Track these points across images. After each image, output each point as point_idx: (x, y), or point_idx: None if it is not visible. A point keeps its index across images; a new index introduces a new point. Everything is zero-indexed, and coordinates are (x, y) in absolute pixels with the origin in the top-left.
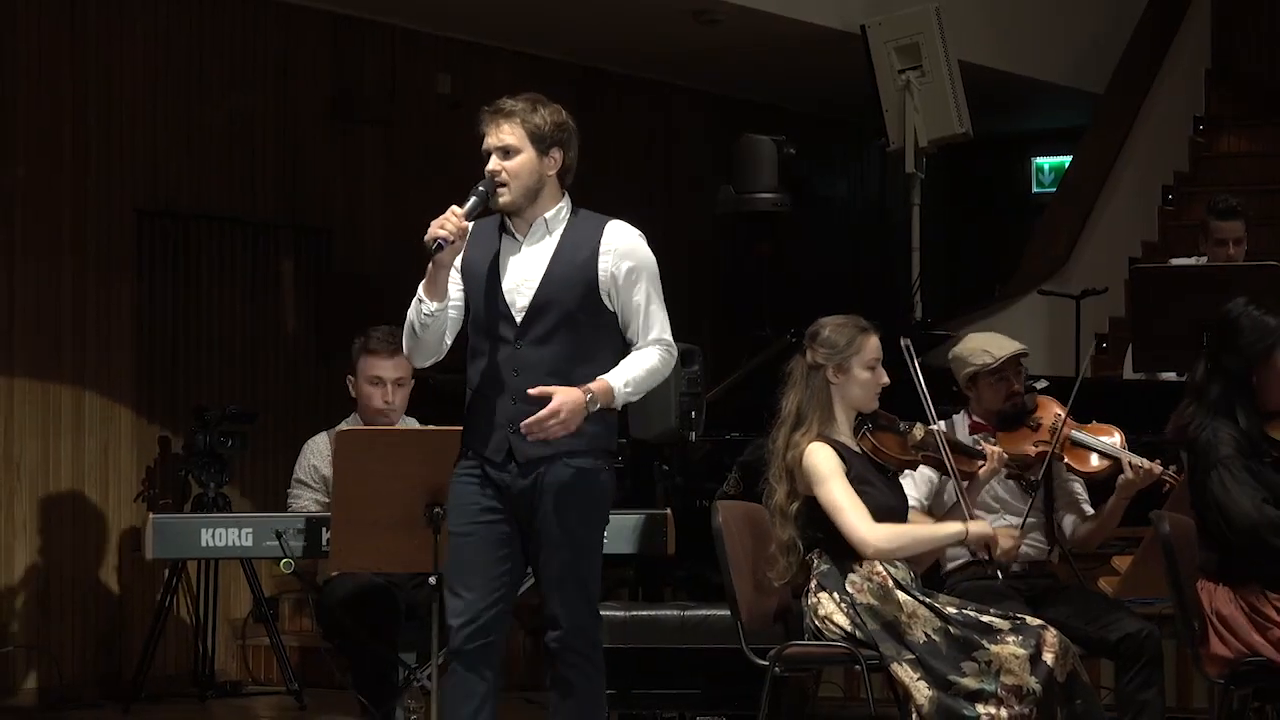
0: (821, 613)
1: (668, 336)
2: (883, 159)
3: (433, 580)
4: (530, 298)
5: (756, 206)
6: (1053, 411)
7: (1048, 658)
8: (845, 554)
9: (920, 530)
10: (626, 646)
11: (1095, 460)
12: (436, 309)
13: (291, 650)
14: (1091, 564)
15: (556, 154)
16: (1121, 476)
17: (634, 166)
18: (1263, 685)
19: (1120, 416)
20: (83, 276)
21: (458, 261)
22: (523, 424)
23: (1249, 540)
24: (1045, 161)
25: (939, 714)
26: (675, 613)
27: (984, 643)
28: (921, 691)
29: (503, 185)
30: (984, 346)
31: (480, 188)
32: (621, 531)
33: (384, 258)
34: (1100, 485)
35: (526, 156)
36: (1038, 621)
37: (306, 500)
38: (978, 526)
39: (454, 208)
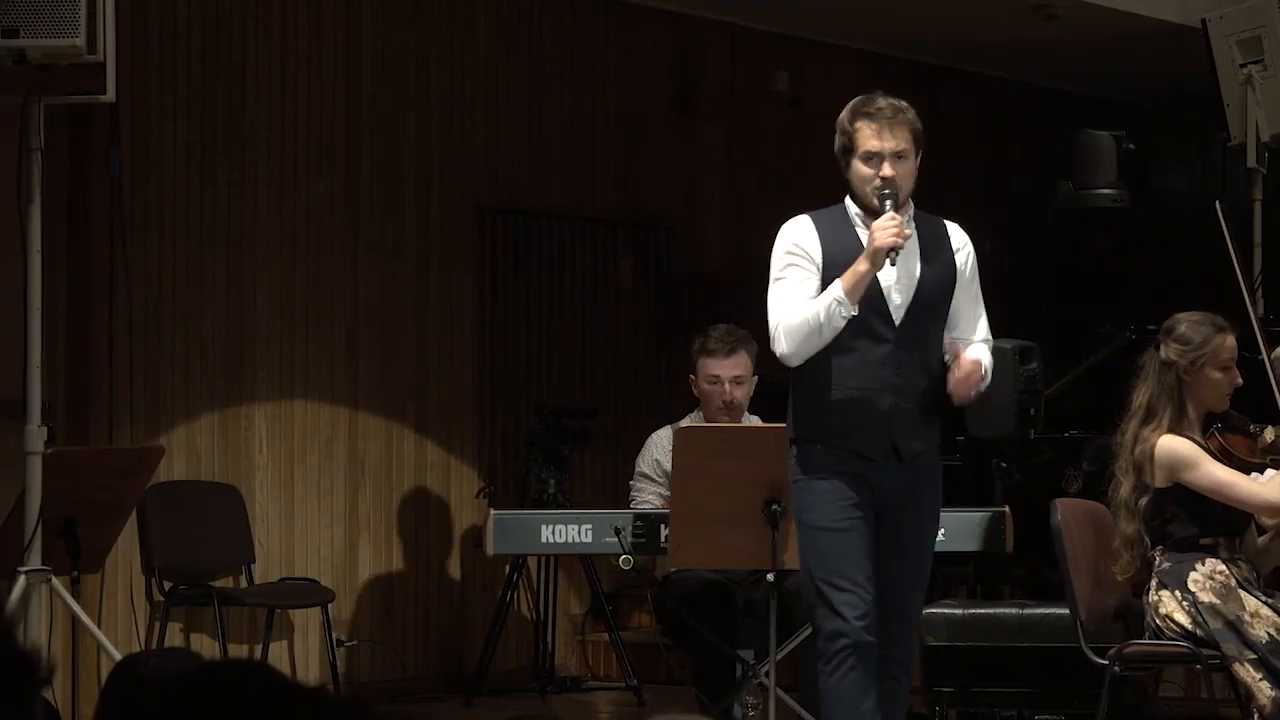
0: (1163, 611)
1: (989, 333)
2: (1224, 154)
3: (770, 577)
4: (909, 296)
5: (1096, 203)
6: None
7: None
8: (1189, 551)
9: None
10: (965, 644)
11: None
12: (853, 314)
13: (630, 646)
14: None
15: (919, 158)
16: None
17: (971, 163)
18: None
19: None
20: (424, 275)
21: (818, 255)
22: (961, 371)
23: None
24: None
25: None
26: (1014, 611)
27: None
28: (1264, 691)
29: (900, 192)
30: None
31: (887, 192)
32: (962, 529)
33: (723, 255)
34: None
35: (912, 163)
36: None
37: (649, 494)
38: None
39: (893, 213)
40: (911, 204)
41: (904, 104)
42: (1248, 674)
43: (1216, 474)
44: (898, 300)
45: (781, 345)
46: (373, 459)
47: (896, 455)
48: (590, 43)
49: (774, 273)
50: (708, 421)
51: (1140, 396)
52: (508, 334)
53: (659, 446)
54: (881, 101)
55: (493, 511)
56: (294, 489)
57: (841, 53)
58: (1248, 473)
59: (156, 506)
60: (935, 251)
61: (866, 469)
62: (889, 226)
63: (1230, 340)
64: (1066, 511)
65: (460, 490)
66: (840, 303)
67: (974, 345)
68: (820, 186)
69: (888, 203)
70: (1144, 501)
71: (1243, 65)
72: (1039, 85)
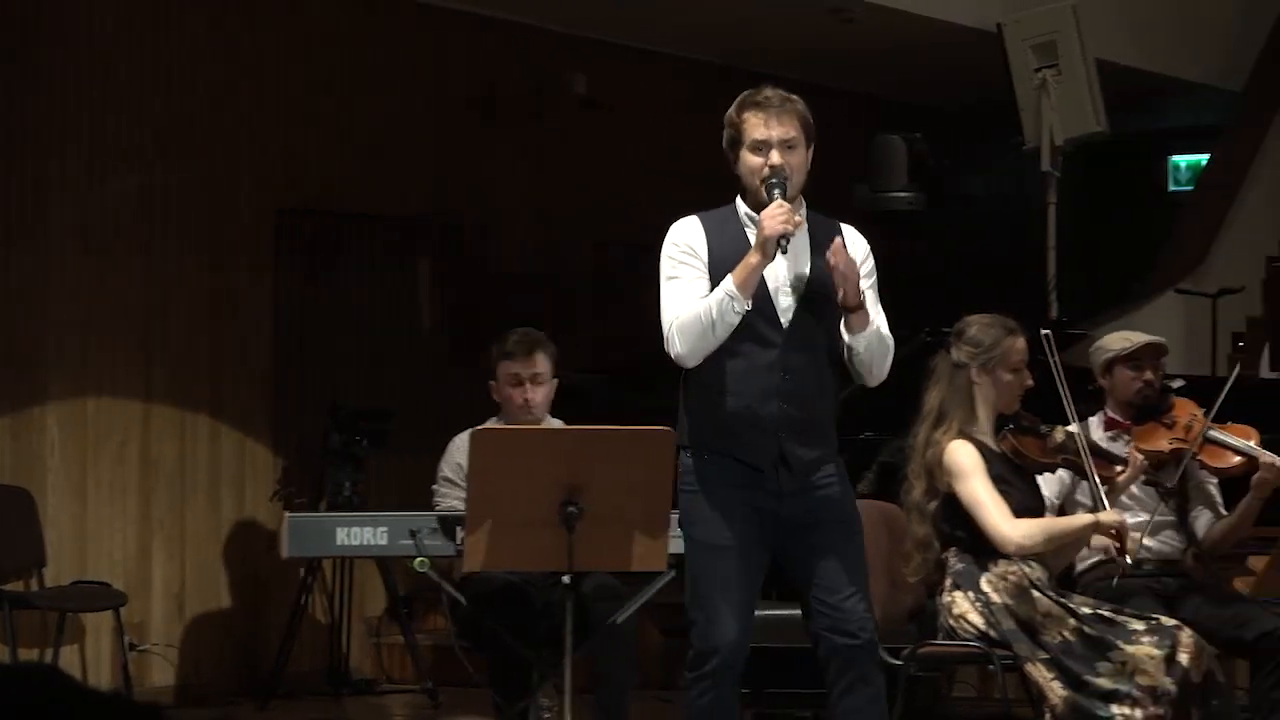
0: (956, 611)
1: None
2: (1019, 157)
3: (566, 579)
4: (797, 297)
5: (891, 205)
6: (1188, 411)
7: (1183, 658)
8: (981, 552)
9: (1057, 523)
10: (760, 645)
11: (1231, 458)
12: (748, 308)
13: (426, 649)
14: (1227, 564)
15: (810, 150)
16: (1256, 475)
17: None
18: None
19: (1257, 416)
20: (222, 275)
21: (705, 255)
22: (835, 252)
23: None
24: (1182, 160)
25: (1073, 714)
26: None
27: (1119, 643)
28: (1056, 691)
29: (790, 181)
30: (1124, 335)
31: (774, 181)
32: None
33: (522, 257)
34: (1234, 485)
35: (804, 153)
36: (1173, 621)
37: (453, 499)
38: (1108, 516)
39: (783, 203)
40: (804, 201)
41: (793, 95)
42: (1040, 674)
43: (976, 492)
44: (785, 302)
45: (676, 346)
46: (167, 461)
47: (785, 464)
48: (392, 44)
49: (664, 274)
50: (508, 424)
51: (932, 400)
52: (305, 335)
53: (460, 450)
54: (769, 91)
55: (287, 514)
56: (86, 491)
57: (641, 55)
58: (1039, 472)
59: None
60: (821, 250)
61: (756, 479)
62: (777, 214)
63: (1020, 342)
64: (862, 512)
65: (255, 492)
66: (732, 297)
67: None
68: (621, 187)
69: (775, 191)
70: (934, 505)
71: (1037, 70)
72: (837, 88)
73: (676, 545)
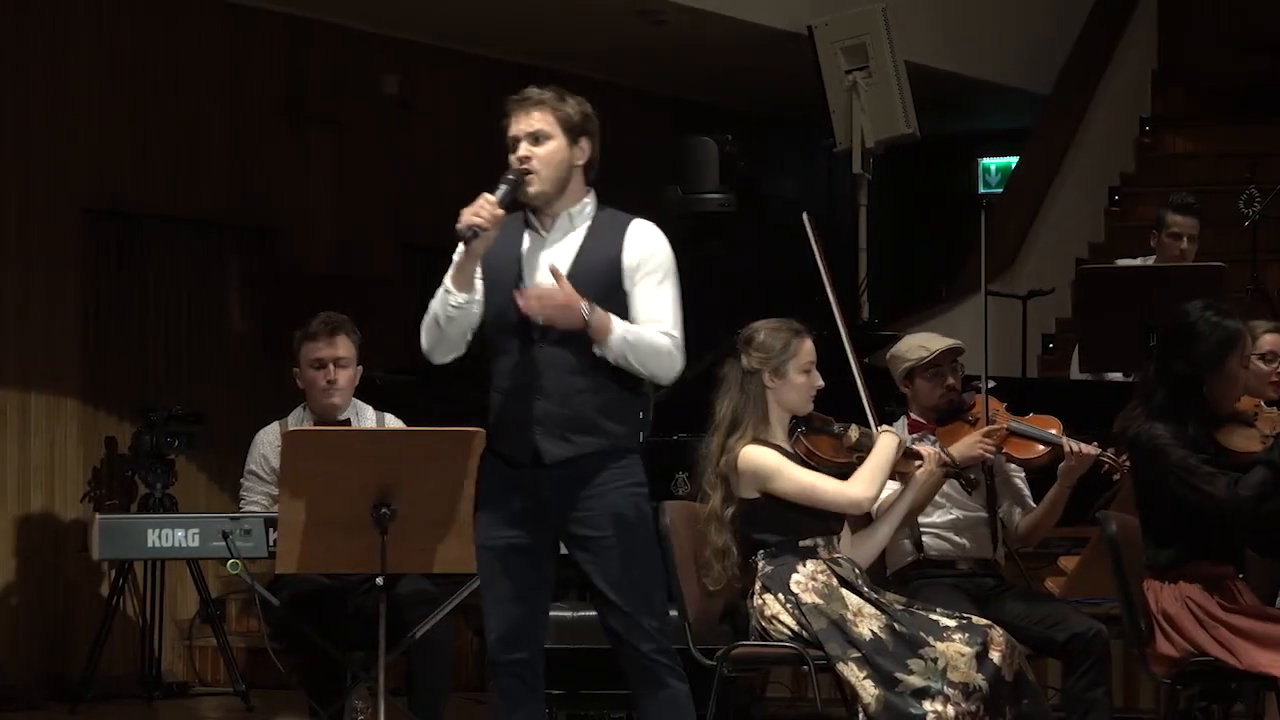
0: (768, 613)
1: (678, 334)
2: (830, 160)
3: (379, 581)
4: None
5: (703, 207)
6: (992, 407)
7: (995, 656)
8: (788, 554)
9: (877, 460)
10: (574, 647)
11: (1036, 449)
12: (465, 300)
13: (239, 651)
14: (1038, 564)
15: (585, 144)
16: (1063, 464)
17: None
18: (1209, 684)
19: (1067, 417)
20: (27, 276)
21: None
22: (527, 291)
23: (1248, 521)
24: (992, 162)
25: (886, 712)
26: None
27: (930, 640)
28: (868, 690)
29: (532, 174)
30: (920, 343)
31: (510, 176)
32: None
33: (331, 257)
34: (1042, 479)
35: (557, 144)
36: (984, 620)
37: (258, 494)
38: (902, 434)
39: (486, 195)
40: (584, 196)
41: (552, 90)
42: (852, 673)
43: (800, 478)
44: None
45: (421, 341)
46: None
47: (538, 460)
48: (199, 43)
49: None
50: (315, 411)
51: (724, 408)
52: (113, 336)
53: (267, 443)
54: (530, 89)
55: (98, 515)
56: None
57: (451, 56)
58: (835, 472)
59: None
60: (597, 250)
61: (518, 476)
62: (472, 207)
63: (809, 343)
64: (674, 514)
65: (65, 493)
66: (446, 290)
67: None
68: (428, 188)
69: (502, 186)
70: (732, 511)
71: (848, 72)
72: (648, 90)
73: None
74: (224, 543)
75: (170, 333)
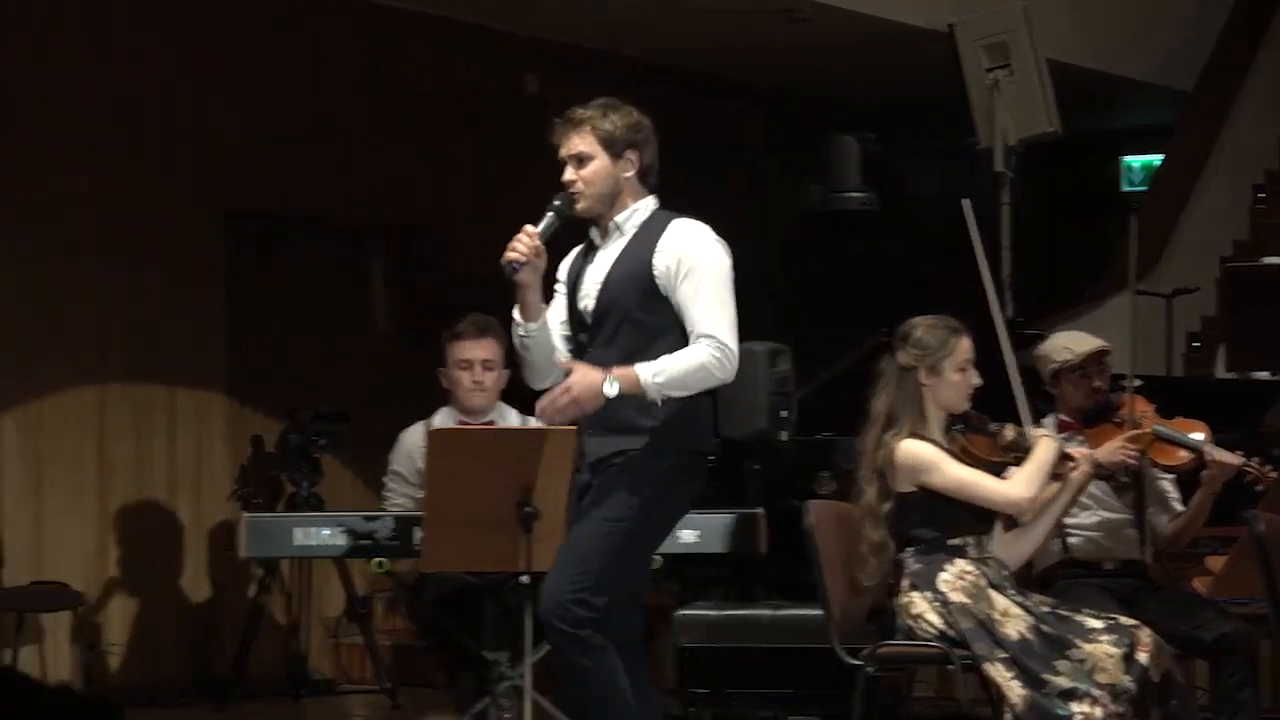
0: (914, 611)
1: (721, 335)
2: (972, 158)
3: (524, 579)
4: (594, 301)
5: (844, 205)
6: (1138, 409)
7: (1142, 657)
8: (939, 553)
9: (1038, 461)
10: (720, 646)
11: (1179, 454)
12: (532, 329)
13: (385, 649)
14: (1185, 564)
15: (632, 155)
16: (1205, 471)
17: (721, 167)
18: None
19: (1213, 416)
20: (173, 276)
21: (564, 274)
22: (537, 404)
23: None
24: (1135, 160)
25: (1033, 713)
26: (768, 612)
27: (1078, 641)
28: (1015, 691)
29: (578, 193)
30: (1066, 344)
31: (556, 202)
32: (714, 531)
33: (473, 256)
34: (1188, 482)
35: (600, 163)
36: (1132, 621)
37: (401, 496)
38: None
39: (527, 227)
40: (633, 204)
41: (596, 108)
42: (999, 674)
43: (959, 474)
44: (589, 305)
45: None
46: (123, 461)
47: (583, 455)
48: (340, 44)
49: None
50: (460, 411)
51: (881, 404)
52: (259, 337)
53: (412, 443)
54: (574, 109)
55: (245, 514)
56: (43, 492)
57: (591, 55)
58: (991, 471)
59: None
60: (633, 254)
61: (578, 478)
62: (513, 241)
63: (966, 341)
64: (819, 513)
65: (213, 492)
66: (515, 322)
67: (595, 361)
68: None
69: (548, 214)
70: (888, 507)
71: (989, 70)
72: (789, 89)
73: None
74: (370, 541)
75: (315, 332)
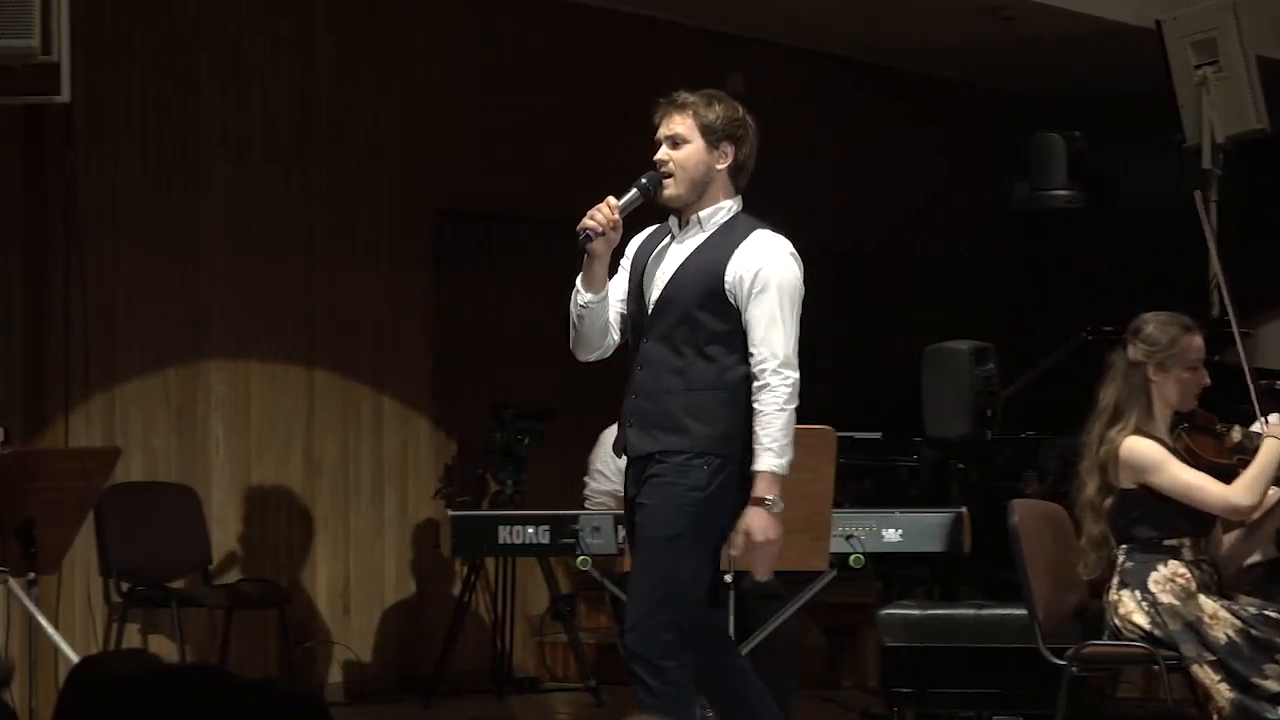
0: (1122, 611)
1: (783, 355)
2: (1179, 155)
3: (728, 578)
4: (659, 293)
5: (1050, 204)
6: None
7: None
8: (1153, 552)
9: (1261, 466)
10: (923, 645)
11: None
12: (592, 300)
13: (589, 647)
14: None
15: (728, 148)
16: None
17: (928, 164)
18: None
19: None
20: (379, 275)
21: (631, 252)
22: (732, 552)
23: None
24: None
25: (1240, 716)
26: (972, 612)
27: None
28: (1223, 694)
29: (669, 176)
30: None
31: (643, 180)
32: (919, 530)
33: None
34: None
35: (695, 147)
36: None
37: (602, 495)
38: None
39: (609, 199)
40: (719, 201)
41: (702, 96)
42: (1206, 676)
43: (1182, 476)
44: (654, 296)
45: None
46: (329, 459)
47: (625, 452)
48: (543, 42)
49: None
50: None
51: (1107, 397)
52: (463, 334)
53: (613, 441)
54: (680, 92)
55: (450, 512)
56: (251, 489)
57: (796, 54)
58: (1214, 473)
59: (113, 508)
60: (709, 253)
61: (625, 465)
62: (592, 210)
63: (1198, 340)
64: (1024, 512)
65: (417, 491)
66: (576, 290)
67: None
68: (765, 183)
69: (634, 189)
70: (1109, 502)
71: (1197, 67)
72: (994, 87)
73: (839, 545)
74: (574, 539)
75: (519, 330)
